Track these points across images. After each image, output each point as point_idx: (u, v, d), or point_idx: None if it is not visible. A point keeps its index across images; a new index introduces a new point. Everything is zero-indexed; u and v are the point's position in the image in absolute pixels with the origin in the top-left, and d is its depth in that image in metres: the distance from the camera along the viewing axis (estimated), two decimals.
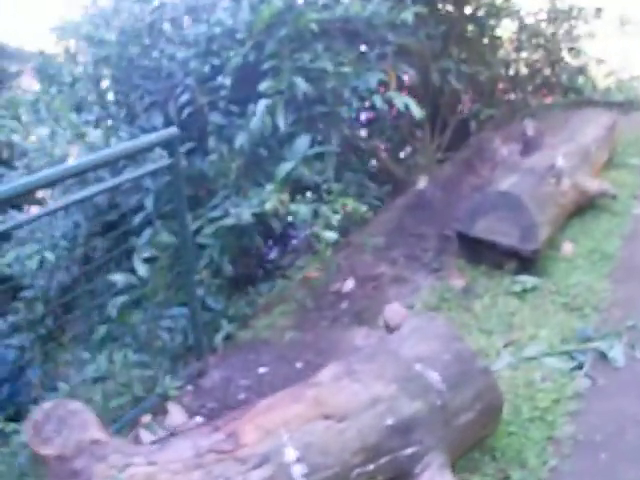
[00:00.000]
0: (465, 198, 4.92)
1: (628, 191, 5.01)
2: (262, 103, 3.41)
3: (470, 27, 6.24)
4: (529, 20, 7.42)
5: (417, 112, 3.71)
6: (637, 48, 7.70)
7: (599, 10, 7.93)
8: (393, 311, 2.72)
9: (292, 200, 3.20)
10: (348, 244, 4.45)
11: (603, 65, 7.93)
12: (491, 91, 7.14)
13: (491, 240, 3.79)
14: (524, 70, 7.48)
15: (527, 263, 3.77)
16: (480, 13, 6.42)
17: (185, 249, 2.98)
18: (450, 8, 5.73)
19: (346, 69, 3.62)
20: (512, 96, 7.47)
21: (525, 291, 3.67)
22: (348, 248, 4.39)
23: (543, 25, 7.39)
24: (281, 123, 3.37)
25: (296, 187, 3.45)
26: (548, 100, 7.75)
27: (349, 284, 3.80)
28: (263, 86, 3.46)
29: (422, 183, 5.52)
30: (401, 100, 3.69)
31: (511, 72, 7.30)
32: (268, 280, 3.86)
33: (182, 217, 2.95)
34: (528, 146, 4.74)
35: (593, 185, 4.53)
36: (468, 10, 6.27)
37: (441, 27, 5.18)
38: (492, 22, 6.63)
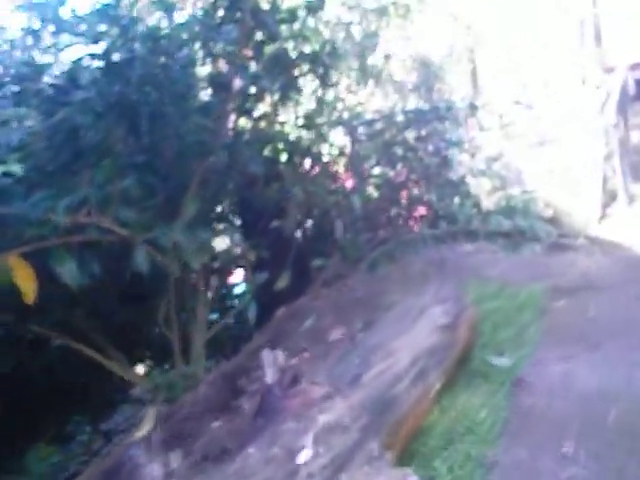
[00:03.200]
0: None
1: (476, 452, 2.71)
2: None
3: None
4: (377, 126, 5.46)
5: None
6: (524, 153, 5.76)
7: (474, 107, 6.07)
8: None
9: None
10: None
11: (485, 179, 5.98)
12: (322, 233, 5.06)
13: None
14: (375, 194, 5.42)
15: None
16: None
17: None
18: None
19: None
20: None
21: None
22: None
23: (394, 131, 5.39)
24: None
25: None
26: (414, 230, 5.67)
27: None
28: None
29: (144, 428, 3.24)
30: None
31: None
32: None
33: None
34: (264, 412, 2.49)
35: None
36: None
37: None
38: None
